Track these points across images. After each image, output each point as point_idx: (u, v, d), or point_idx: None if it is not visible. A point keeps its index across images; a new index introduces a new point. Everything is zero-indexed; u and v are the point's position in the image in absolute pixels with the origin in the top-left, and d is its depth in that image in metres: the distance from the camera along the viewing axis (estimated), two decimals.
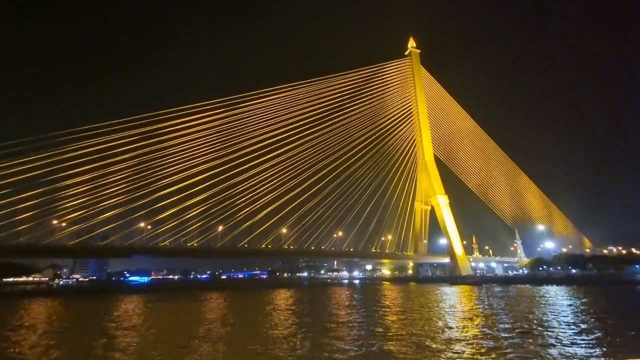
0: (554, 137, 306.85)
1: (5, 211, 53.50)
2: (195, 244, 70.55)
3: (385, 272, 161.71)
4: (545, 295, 47.09)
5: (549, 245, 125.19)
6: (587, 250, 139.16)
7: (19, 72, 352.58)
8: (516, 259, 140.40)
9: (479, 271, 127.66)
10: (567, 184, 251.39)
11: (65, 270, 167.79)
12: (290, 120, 77.64)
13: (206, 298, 50.11)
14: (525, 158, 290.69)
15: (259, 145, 72.93)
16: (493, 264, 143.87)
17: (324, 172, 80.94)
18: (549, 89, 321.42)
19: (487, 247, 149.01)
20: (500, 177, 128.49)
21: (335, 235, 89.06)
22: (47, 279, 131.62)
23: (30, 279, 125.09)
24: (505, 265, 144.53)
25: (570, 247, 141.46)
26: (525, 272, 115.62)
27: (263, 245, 77.23)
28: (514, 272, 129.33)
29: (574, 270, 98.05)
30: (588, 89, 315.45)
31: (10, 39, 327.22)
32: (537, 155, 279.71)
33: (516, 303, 37.84)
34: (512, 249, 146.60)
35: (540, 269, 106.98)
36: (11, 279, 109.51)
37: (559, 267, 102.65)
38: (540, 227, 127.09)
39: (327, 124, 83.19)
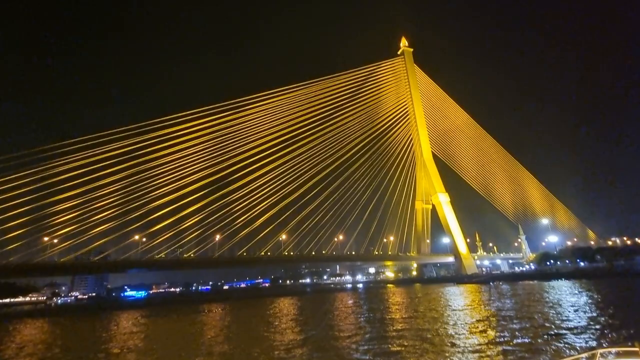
0: (553, 129, 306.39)
1: None
2: (192, 255, 68.50)
3: (389, 274, 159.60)
4: (557, 292, 45.25)
5: (553, 239, 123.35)
6: (592, 243, 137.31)
7: (14, 77, 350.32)
8: (521, 254, 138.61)
9: (484, 269, 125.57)
10: (568, 176, 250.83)
11: (64, 287, 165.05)
12: (286, 125, 76.25)
13: (204, 311, 47.99)
14: (524, 151, 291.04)
15: (254, 151, 71.44)
16: (498, 261, 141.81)
17: (321, 175, 79.65)
18: (548, 82, 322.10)
19: (491, 244, 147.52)
20: (500, 172, 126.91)
21: (336, 239, 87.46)
22: (44, 298, 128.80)
23: (27, 299, 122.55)
24: (510, 261, 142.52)
25: (575, 239, 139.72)
26: (532, 267, 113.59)
27: (262, 253, 75.30)
28: (521, 269, 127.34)
29: (582, 264, 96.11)
30: (590, 77, 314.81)
31: (7, 40, 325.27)
32: (536, 147, 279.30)
33: (530, 302, 36.00)
34: (516, 244, 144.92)
35: (548, 263, 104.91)
36: (7, 300, 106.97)
37: (567, 261, 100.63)
38: (544, 221, 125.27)
39: (322, 127, 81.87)
